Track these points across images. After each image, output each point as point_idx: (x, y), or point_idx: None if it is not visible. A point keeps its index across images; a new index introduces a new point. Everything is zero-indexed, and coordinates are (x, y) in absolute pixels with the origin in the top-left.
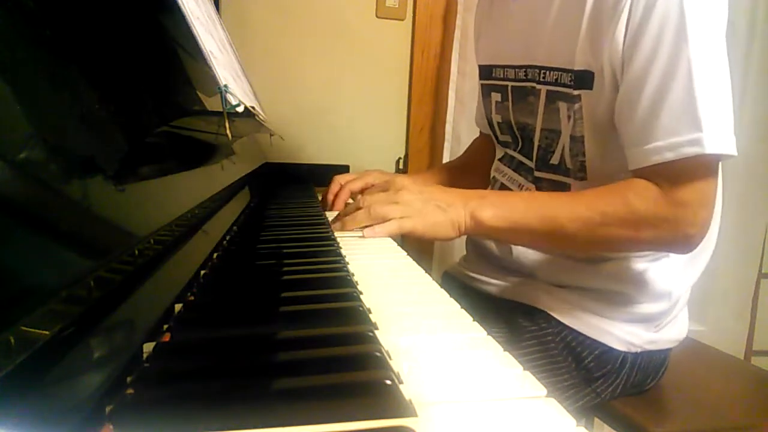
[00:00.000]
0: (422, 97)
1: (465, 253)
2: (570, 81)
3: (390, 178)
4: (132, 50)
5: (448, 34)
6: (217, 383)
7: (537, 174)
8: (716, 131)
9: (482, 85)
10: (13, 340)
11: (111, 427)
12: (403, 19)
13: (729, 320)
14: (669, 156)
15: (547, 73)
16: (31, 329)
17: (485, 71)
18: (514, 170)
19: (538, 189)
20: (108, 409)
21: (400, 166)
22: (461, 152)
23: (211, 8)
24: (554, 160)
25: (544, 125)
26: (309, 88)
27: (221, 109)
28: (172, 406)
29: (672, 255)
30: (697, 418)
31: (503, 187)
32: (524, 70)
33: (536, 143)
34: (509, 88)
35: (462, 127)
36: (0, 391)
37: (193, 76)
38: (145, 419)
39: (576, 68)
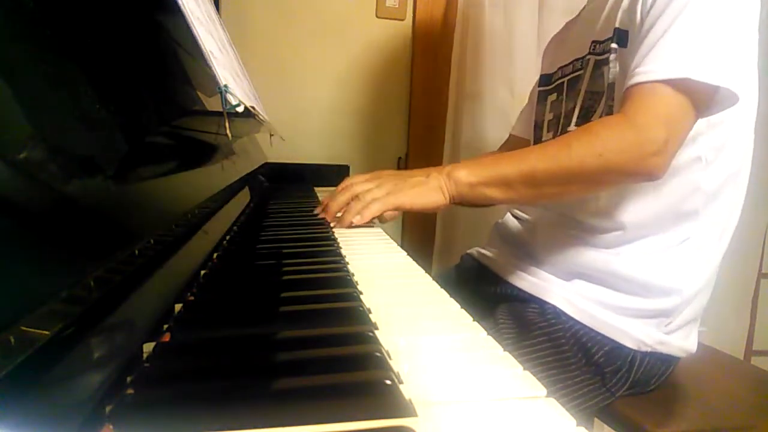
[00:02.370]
0: (422, 97)
1: (462, 254)
2: (612, 43)
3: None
4: (132, 50)
5: (448, 34)
6: (217, 383)
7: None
8: (709, 63)
9: (540, 92)
10: (13, 340)
11: (111, 427)
12: (403, 19)
13: (729, 320)
14: (653, 77)
15: (597, 45)
16: (31, 329)
17: (545, 79)
18: None
19: None
20: (108, 409)
21: (401, 166)
22: (461, 152)
23: (211, 8)
24: (595, 118)
25: (588, 88)
26: (309, 88)
27: (221, 109)
28: (172, 406)
29: (683, 246)
30: (697, 418)
31: None
32: (580, 60)
33: (579, 104)
34: (565, 83)
35: (462, 127)
36: (0, 391)
37: (193, 76)
38: (145, 419)
39: (615, 26)
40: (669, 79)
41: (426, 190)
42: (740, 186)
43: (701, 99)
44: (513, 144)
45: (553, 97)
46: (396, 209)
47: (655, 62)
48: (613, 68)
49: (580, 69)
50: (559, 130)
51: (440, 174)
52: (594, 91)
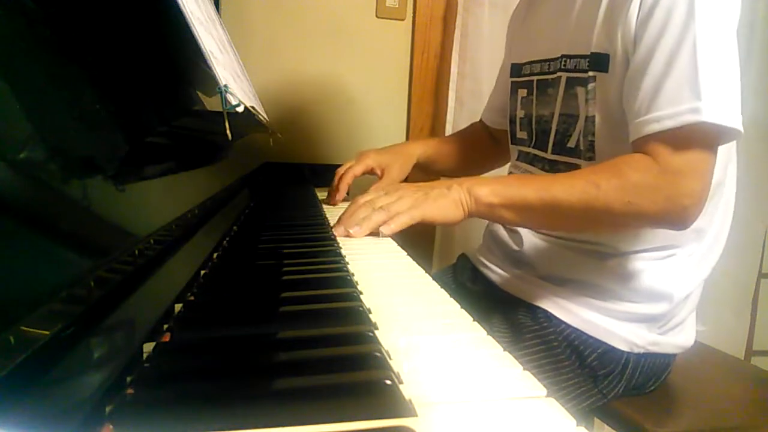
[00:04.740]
0: (422, 97)
1: (459, 255)
2: (587, 65)
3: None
4: (132, 50)
5: (448, 34)
6: (217, 383)
7: (553, 157)
8: (717, 102)
9: (511, 82)
10: (13, 340)
11: (111, 427)
12: (403, 19)
13: (729, 320)
14: (668, 124)
15: (568, 60)
16: (31, 329)
17: (516, 69)
18: (529, 164)
19: (554, 172)
20: (108, 409)
21: None
22: None
23: (211, 8)
24: (571, 143)
25: (563, 110)
26: (309, 88)
27: (221, 109)
28: (172, 406)
29: (676, 256)
30: (697, 418)
31: None
32: (548, 63)
33: (554, 128)
34: (534, 82)
35: (462, 127)
36: (0, 391)
37: (193, 76)
38: (145, 419)
39: (592, 50)
40: (686, 125)
41: (448, 203)
42: (728, 194)
43: (716, 140)
44: (477, 129)
45: (523, 93)
46: (421, 222)
47: (669, 107)
48: (591, 99)
49: (548, 73)
50: (534, 138)
51: (461, 187)
52: (568, 114)
